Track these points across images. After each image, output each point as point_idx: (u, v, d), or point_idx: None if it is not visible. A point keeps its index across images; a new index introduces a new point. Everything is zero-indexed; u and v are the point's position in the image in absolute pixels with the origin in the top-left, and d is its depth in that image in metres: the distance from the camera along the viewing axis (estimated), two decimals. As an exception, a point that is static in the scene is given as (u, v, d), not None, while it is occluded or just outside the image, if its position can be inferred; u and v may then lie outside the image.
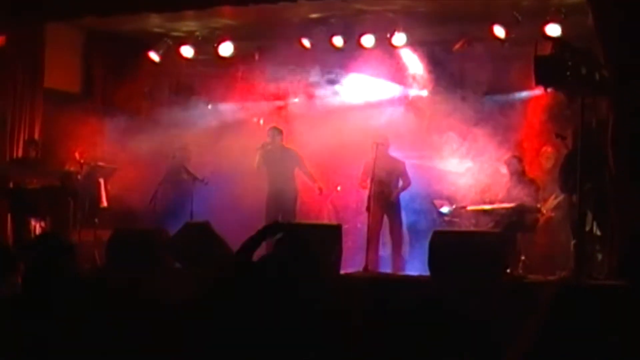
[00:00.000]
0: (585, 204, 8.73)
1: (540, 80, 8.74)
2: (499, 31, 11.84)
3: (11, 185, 11.90)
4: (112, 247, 10.01)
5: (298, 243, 4.30)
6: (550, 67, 8.60)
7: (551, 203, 10.76)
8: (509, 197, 10.52)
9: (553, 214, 10.73)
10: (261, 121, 13.80)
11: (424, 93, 12.80)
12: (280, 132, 12.14)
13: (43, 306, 4.48)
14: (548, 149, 11.32)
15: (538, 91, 10.95)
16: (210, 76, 13.88)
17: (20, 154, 12.41)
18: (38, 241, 5.85)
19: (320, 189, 12.06)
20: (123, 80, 13.86)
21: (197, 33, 13.37)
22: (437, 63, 12.47)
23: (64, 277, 4.71)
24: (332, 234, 9.62)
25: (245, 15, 12.28)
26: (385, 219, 11.47)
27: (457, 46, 12.39)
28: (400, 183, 11.58)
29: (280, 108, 13.78)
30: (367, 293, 8.31)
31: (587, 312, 4.29)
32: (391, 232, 11.54)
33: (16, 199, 11.69)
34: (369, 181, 10.93)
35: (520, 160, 11.07)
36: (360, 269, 10.01)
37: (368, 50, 12.55)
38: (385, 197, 11.26)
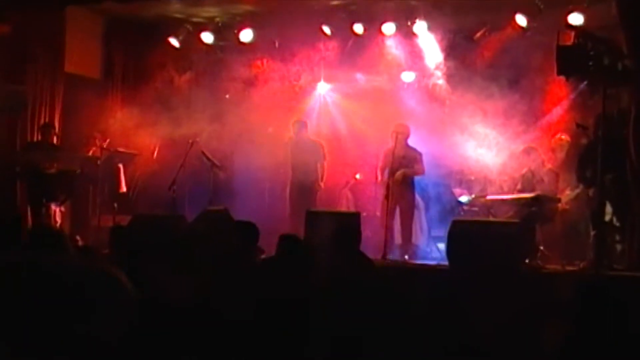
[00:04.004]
0: (605, 195, 8.67)
1: (562, 70, 8.70)
2: (521, 20, 11.80)
3: (29, 169, 11.91)
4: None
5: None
6: (572, 56, 8.55)
7: (568, 195, 10.67)
8: (528, 186, 10.45)
9: (569, 206, 10.64)
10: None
11: (444, 81, 12.72)
12: (304, 124, 12.08)
13: None
14: (565, 138, 11.19)
15: (559, 80, 10.87)
16: (230, 62, 13.86)
17: (39, 138, 12.43)
18: None
19: (320, 187, 11.95)
20: (143, 65, 13.89)
21: (218, 19, 13.36)
22: (457, 51, 12.39)
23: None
24: (350, 222, 9.59)
25: (266, 2, 12.27)
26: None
27: (478, 34, 12.33)
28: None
29: (300, 95, 13.72)
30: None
31: (607, 304, 4.27)
32: (401, 220, 11.37)
33: (33, 183, 11.70)
34: (386, 172, 10.90)
35: (539, 150, 10.98)
36: (379, 257, 9.97)
37: (388, 38, 12.51)
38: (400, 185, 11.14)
